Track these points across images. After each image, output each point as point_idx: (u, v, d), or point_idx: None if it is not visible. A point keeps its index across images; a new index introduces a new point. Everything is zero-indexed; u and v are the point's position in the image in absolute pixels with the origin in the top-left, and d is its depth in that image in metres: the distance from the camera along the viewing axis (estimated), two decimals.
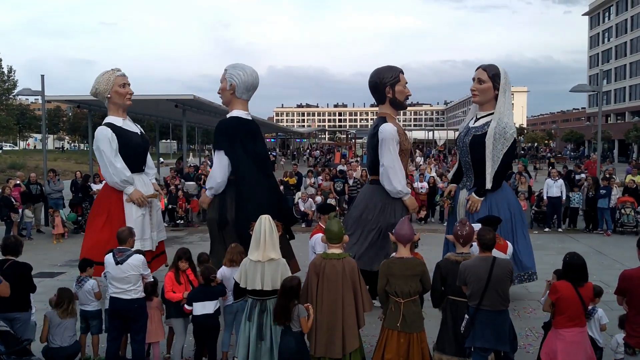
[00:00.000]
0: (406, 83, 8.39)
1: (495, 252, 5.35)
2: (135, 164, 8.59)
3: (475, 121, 8.52)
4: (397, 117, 8.64)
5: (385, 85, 8.25)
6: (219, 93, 8.55)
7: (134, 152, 8.53)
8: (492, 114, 8.22)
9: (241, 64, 8.46)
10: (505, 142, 7.99)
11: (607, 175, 16.02)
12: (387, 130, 8.01)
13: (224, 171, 8.02)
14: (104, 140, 8.19)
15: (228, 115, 8.32)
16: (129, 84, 8.69)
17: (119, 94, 8.49)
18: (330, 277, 5.18)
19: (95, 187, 14.91)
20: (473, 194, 8.23)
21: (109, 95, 8.46)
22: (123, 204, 8.33)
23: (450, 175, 9.59)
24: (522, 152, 56.16)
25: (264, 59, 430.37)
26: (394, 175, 7.93)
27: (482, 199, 8.15)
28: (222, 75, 8.39)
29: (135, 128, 8.87)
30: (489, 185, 8.10)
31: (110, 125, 8.37)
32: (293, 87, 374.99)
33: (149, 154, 9.24)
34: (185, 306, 5.76)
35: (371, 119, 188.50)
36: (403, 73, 8.44)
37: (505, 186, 8.51)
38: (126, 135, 8.47)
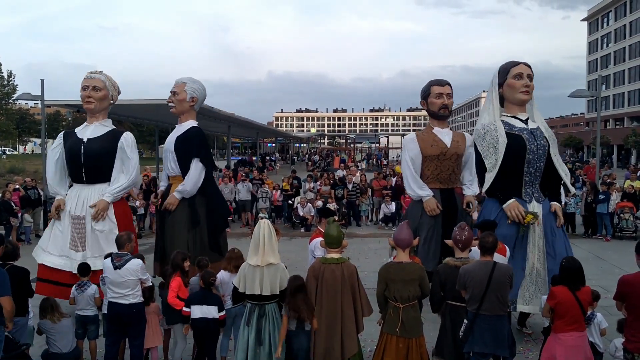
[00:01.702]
0: (441, 93, 8.68)
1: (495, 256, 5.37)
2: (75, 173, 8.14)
3: (525, 123, 7.51)
4: (440, 124, 8.90)
5: (421, 100, 9.08)
6: (170, 102, 8.85)
7: (72, 160, 8.04)
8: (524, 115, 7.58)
9: (197, 79, 9.02)
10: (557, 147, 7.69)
11: (608, 180, 16.03)
12: (403, 141, 9.18)
13: (201, 177, 8.45)
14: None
15: (190, 125, 8.73)
16: (92, 87, 8.18)
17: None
18: (329, 282, 5.18)
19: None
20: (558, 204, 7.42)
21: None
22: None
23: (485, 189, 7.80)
24: None
25: (264, 64, 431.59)
26: (405, 182, 8.86)
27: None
28: (178, 87, 8.72)
29: (89, 135, 8.12)
30: (572, 190, 7.90)
31: (67, 131, 8.55)
32: (292, 92, 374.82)
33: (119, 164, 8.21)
34: (184, 309, 5.74)
35: (370, 124, 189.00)
36: (440, 84, 8.80)
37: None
38: (72, 141, 8.07)
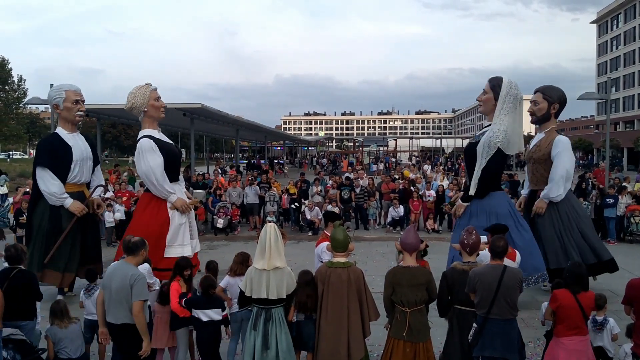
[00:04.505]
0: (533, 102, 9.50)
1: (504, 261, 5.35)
2: (174, 173, 8.95)
3: (479, 131, 8.83)
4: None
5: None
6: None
7: (172, 162, 8.88)
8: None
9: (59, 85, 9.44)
10: (490, 150, 8.16)
11: (620, 184, 15.90)
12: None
13: None
14: (149, 150, 8.52)
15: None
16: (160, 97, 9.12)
17: (154, 107, 8.83)
18: (335, 286, 5.18)
19: (107, 194, 14.68)
20: (459, 198, 8.56)
21: (145, 109, 8.75)
22: (166, 210, 8.63)
23: (465, 183, 9.91)
24: None
25: (271, 68, 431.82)
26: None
27: (465, 204, 8.40)
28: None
29: (168, 139, 9.31)
30: (471, 191, 8.33)
31: (150, 137, 8.74)
32: (300, 96, 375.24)
33: None
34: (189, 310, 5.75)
35: (378, 127, 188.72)
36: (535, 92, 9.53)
37: (495, 196, 8.47)
38: (166, 146, 8.86)
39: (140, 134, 8.83)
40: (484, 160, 8.18)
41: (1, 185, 22.29)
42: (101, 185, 9.60)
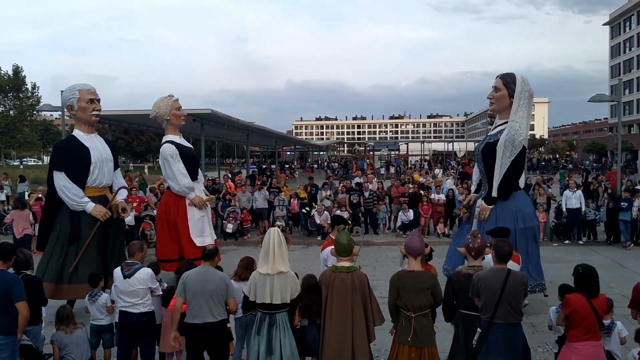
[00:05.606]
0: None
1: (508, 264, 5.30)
2: (193, 174, 9.91)
3: (492, 129, 8.52)
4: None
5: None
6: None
7: (191, 163, 9.87)
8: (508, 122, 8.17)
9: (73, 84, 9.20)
10: (514, 149, 7.89)
11: (630, 187, 15.73)
12: None
13: None
14: (170, 155, 9.58)
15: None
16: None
17: (176, 116, 9.94)
18: (339, 291, 5.16)
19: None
20: (482, 201, 8.18)
21: (167, 118, 9.85)
22: (185, 207, 9.66)
23: (473, 187, 9.48)
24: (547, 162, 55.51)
25: (282, 73, 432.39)
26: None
27: (490, 207, 8.02)
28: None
29: (188, 144, 10.27)
30: (495, 193, 8.01)
31: (172, 142, 9.74)
32: (311, 101, 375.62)
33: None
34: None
35: (390, 131, 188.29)
36: None
37: (518, 196, 8.26)
38: (186, 150, 9.93)
39: (164, 139, 9.80)
40: (509, 160, 7.92)
41: (26, 192, 22.82)
42: (124, 188, 9.24)
